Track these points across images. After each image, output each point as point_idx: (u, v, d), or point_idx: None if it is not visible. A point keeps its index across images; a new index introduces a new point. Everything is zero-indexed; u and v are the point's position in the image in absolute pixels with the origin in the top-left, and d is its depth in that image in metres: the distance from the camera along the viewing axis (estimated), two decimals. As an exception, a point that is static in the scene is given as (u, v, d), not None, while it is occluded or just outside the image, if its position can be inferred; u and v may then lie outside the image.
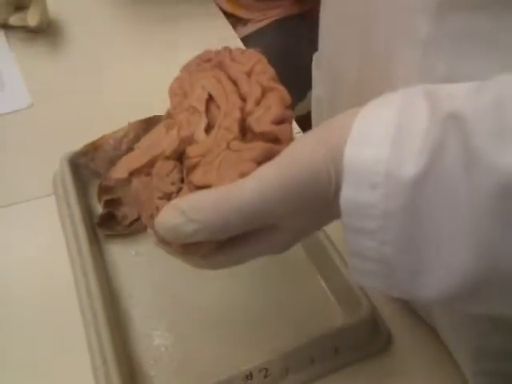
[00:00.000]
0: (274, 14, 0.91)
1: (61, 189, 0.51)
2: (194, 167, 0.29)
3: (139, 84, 0.65)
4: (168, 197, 0.29)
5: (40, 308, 0.45)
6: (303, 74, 0.59)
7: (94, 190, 0.51)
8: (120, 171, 0.32)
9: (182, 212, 0.25)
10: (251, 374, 0.38)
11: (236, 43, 0.71)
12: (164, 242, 0.28)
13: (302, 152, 0.25)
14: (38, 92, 0.63)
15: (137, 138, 0.48)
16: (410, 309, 0.44)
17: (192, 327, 0.43)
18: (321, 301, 0.45)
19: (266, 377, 0.39)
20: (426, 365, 0.42)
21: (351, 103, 0.27)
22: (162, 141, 0.31)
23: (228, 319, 0.44)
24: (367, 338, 0.42)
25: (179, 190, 0.29)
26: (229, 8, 0.89)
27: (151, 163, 0.31)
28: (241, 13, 0.91)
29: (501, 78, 0.22)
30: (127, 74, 0.67)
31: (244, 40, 0.75)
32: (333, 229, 0.45)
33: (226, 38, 0.72)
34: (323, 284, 0.46)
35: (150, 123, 0.51)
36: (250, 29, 0.91)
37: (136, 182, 0.32)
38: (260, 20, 0.91)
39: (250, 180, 0.25)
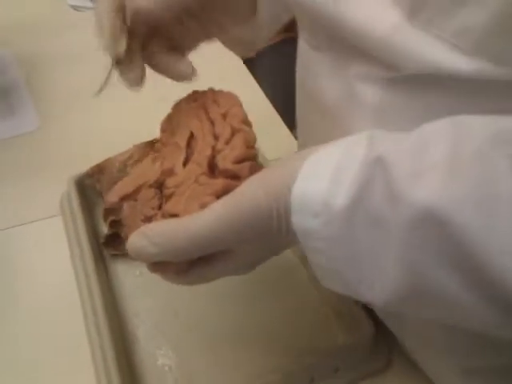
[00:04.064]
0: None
1: (68, 209, 0.52)
2: (170, 196, 0.34)
3: (145, 108, 0.66)
4: (149, 220, 0.34)
5: (46, 327, 0.46)
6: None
7: (99, 211, 0.52)
8: (113, 196, 0.39)
9: (146, 236, 0.29)
10: (253, 393, 0.39)
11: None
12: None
13: (247, 190, 0.29)
14: (46, 114, 0.65)
15: (141, 160, 0.49)
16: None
17: (195, 347, 0.44)
18: (321, 320, 0.46)
19: (267, 396, 0.40)
20: (424, 384, 0.42)
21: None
22: (148, 171, 0.37)
23: (229, 339, 0.44)
24: (367, 357, 0.43)
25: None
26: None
27: (138, 190, 0.37)
28: None
29: (423, 126, 0.26)
30: (134, 98, 0.68)
31: (247, 61, 0.78)
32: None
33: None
34: (324, 303, 0.47)
35: (153, 146, 0.52)
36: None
37: (126, 206, 0.37)
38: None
39: (204, 212, 0.29)
